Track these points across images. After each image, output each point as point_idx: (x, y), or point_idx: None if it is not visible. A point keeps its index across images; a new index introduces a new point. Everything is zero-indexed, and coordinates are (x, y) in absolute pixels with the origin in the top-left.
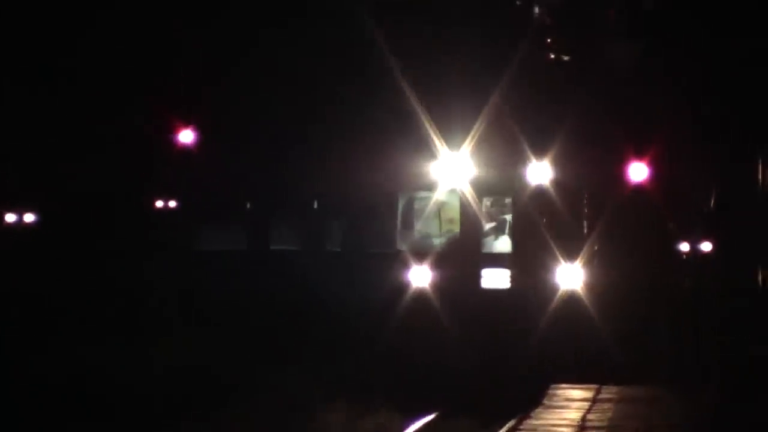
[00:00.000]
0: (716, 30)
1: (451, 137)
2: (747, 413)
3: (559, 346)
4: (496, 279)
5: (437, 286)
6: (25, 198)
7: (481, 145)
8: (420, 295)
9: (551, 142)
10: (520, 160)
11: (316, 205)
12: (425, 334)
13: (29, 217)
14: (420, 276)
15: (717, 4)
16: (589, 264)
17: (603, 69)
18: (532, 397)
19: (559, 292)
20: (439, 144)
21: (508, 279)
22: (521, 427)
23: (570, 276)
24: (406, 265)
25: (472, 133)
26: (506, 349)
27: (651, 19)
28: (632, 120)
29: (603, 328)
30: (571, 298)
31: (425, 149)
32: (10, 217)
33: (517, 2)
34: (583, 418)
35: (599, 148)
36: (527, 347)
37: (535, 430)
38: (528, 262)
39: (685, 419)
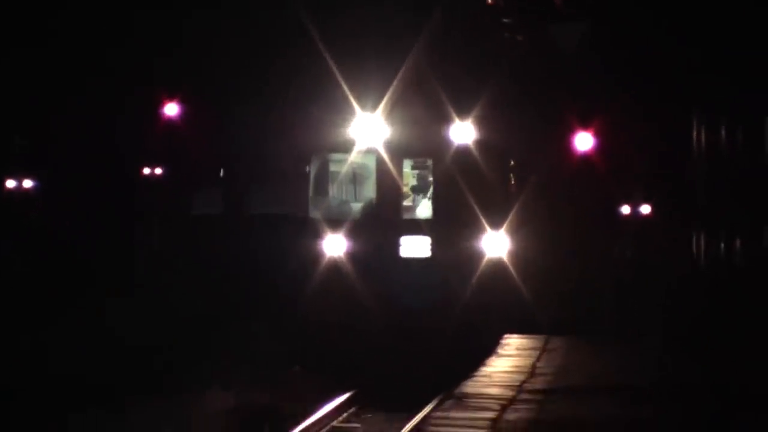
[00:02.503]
0: (653, 9)
1: (369, 94)
2: (685, 362)
3: (484, 314)
4: (416, 247)
5: (353, 255)
6: (24, 165)
7: (400, 103)
8: (334, 266)
9: (476, 101)
10: (442, 120)
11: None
12: (341, 307)
13: (28, 183)
14: (335, 245)
15: None
16: (517, 230)
17: (549, 45)
18: (483, 348)
19: (484, 260)
20: (354, 101)
21: (428, 247)
22: (477, 373)
23: (495, 243)
24: (319, 234)
25: (390, 90)
26: (426, 321)
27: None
28: (572, 88)
29: (533, 294)
30: (497, 266)
31: (340, 107)
32: (11, 183)
33: None
34: (533, 365)
35: (529, 111)
36: (449, 317)
37: (490, 376)
38: (450, 229)
39: (625, 365)
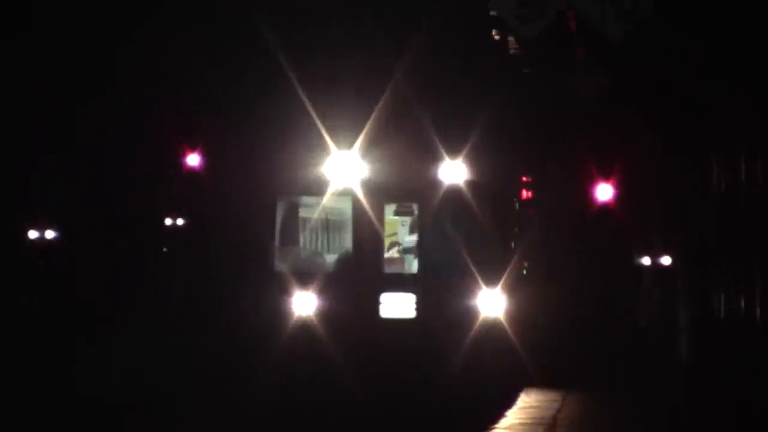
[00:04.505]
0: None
1: (345, 130)
2: (705, 411)
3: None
4: (399, 306)
5: (325, 315)
6: (47, 216)
7: (380, 138)
8: (303, 327)
9: (469, 136)
10: (430, 158)
11: None
12: (310, 376)
13: (50, 234)
14: (304, 303)
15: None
16: (518, 285)
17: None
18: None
19: (479, 321)
20: (329, 137)
21: (413, 306)
22: (497, 425)
23: (492, 300)
24: (286, 291)
25: (369, 123)
26: (411, 394)
27: (615, 55)
28: (587, 129)
29: (539, 353)
30: (494, 327)
31: (311, 143)
32: (33, 234)
33: (496, 37)
34: (554, 417)
35: (535, 150)
36: (435, 389)
37: (509, 427)
38: (438, 285)
39: (646, 415)
